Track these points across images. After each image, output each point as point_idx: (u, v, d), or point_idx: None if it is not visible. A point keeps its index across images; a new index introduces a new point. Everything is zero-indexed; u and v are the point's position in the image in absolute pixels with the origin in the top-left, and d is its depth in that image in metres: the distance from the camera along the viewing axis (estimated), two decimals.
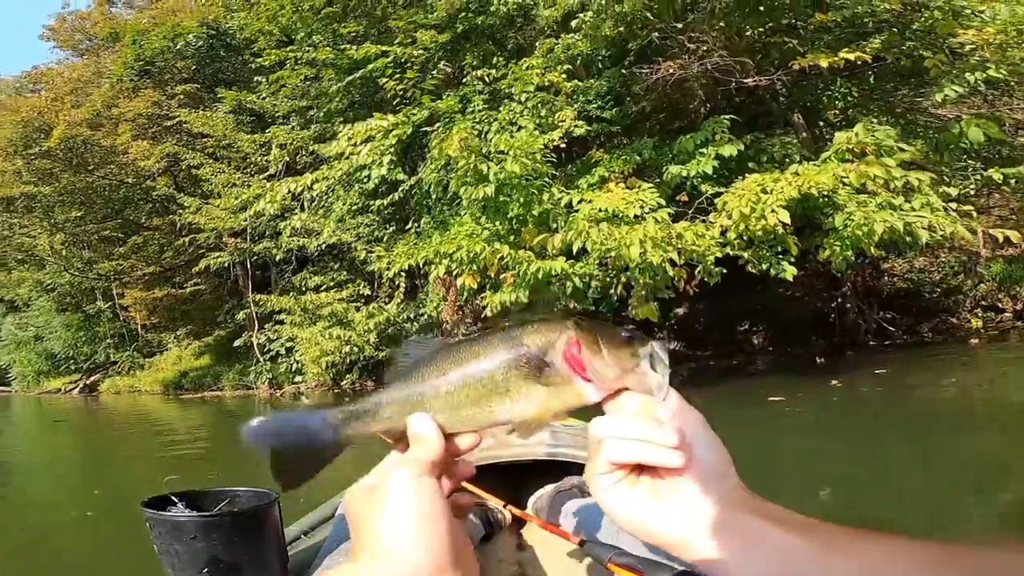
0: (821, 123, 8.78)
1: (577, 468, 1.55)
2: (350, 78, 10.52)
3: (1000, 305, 12.38)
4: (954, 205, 6.37)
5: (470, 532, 1.53)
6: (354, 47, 10.50)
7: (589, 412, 0.62)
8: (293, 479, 0.60)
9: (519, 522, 1.85)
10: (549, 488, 1.84)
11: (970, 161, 7.60)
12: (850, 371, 8.71)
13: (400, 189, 11.21)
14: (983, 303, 12.45)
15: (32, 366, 24.99)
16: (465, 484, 1.49)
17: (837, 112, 7.93)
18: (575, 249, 6.92)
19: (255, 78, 14.86)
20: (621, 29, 7.57)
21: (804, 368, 9.74)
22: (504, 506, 1.55)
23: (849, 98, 7.98)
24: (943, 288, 12.56)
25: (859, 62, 6.88)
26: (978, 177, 6.99)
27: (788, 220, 5.95)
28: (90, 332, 23.04)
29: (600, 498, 0.58)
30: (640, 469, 0.57)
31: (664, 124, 9.74)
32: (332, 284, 14.89)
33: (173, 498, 1.17)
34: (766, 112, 9.29)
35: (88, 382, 22.84)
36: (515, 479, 1.99)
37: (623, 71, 8.35)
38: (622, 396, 0.58)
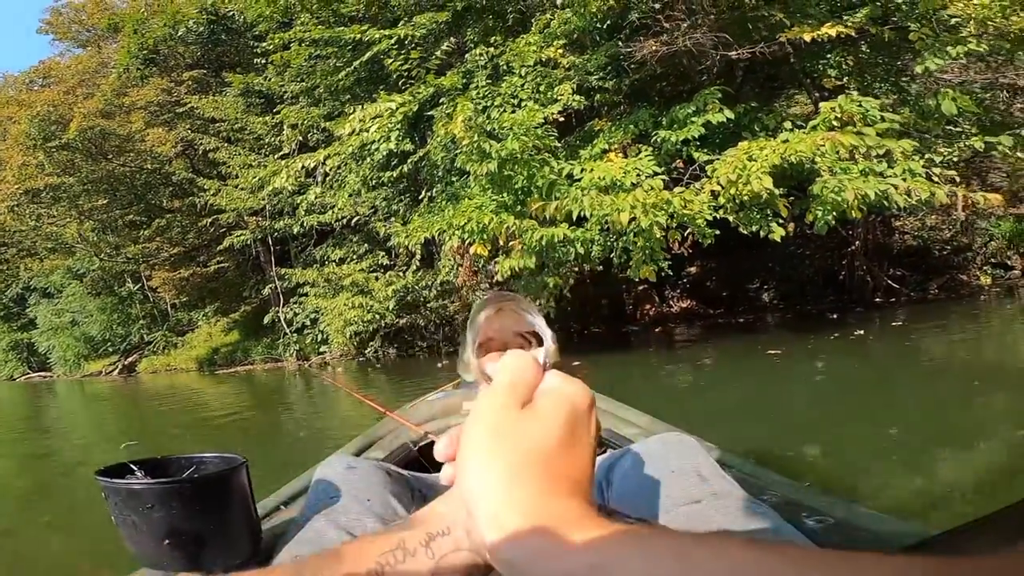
0: (820, 91, 8.95)
1: None
2: (357, 62, 10.80)
3: (1009, 263, 12.72)
4: (937, 171, 6.64)
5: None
6: (350, 29, 10.70)
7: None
8: None
9: None
10: None
11: (967, 127, 7.77)
12: (856, 327, 8.95)
13: (409, 161, 11.47)
14: (992, 260, 12.73)
15: (72, 350, 25.77)
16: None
17: (833, 80, 8.13)
18: (575, 216, 7.27)
19: (256, 60, 15.05)
20: (612, 2, 7.78)
21: (810, 325, 9.93)
22: None
23: (844, 67, 8.15)
24: (953, 246, 12.76)
25: (841, 36, 7.05)
26: (961, 145, 7.27)
27: (771, 185, 6.28)
28: (123, 314, 23.75)
29: None
30: None
31: (674, 87, 9.86)
32: (353, 256, 15.26)
33: (132, 466, 1.12)
34: (773, 76, 9.44)
35: (126, 363, 23.61)
36: None
37: (618, 44, 8.57)
38: None
